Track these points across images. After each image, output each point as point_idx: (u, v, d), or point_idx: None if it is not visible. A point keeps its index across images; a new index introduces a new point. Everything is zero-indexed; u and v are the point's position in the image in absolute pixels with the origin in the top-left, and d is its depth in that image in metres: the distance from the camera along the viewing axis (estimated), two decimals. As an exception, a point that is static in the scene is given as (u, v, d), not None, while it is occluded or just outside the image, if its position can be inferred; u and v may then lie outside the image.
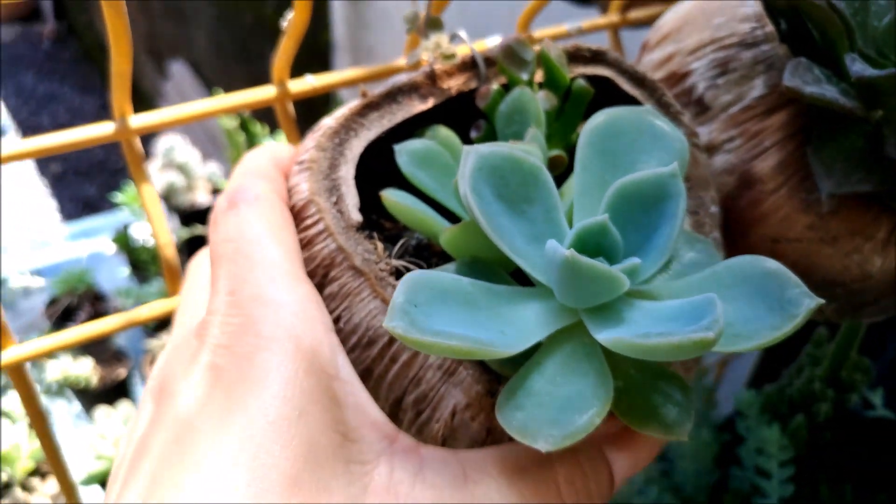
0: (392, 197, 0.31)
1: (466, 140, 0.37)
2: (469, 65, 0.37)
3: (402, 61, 0.44)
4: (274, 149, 0.36)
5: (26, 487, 0.88)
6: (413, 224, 0.32)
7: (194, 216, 1.17)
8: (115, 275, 1.16)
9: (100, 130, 0.37)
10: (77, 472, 0.96)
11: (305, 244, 0.31)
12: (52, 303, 1.05)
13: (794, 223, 0.40)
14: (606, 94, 0.38)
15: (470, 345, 0.24)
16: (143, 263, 1.11)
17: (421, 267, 0.31)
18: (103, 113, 2.48)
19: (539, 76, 0.37)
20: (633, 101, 0.36)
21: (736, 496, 0.65)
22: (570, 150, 0.38)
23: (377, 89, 0.37)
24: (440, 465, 0.25)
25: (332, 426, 0.24)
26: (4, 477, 0.85)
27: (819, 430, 0.70)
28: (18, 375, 0.38)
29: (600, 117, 0.30)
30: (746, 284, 0.25)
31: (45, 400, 1.01)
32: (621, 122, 0.30)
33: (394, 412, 0.29)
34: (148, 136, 2.37)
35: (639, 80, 0.37)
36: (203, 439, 0.22)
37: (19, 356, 0.37)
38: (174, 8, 2.02)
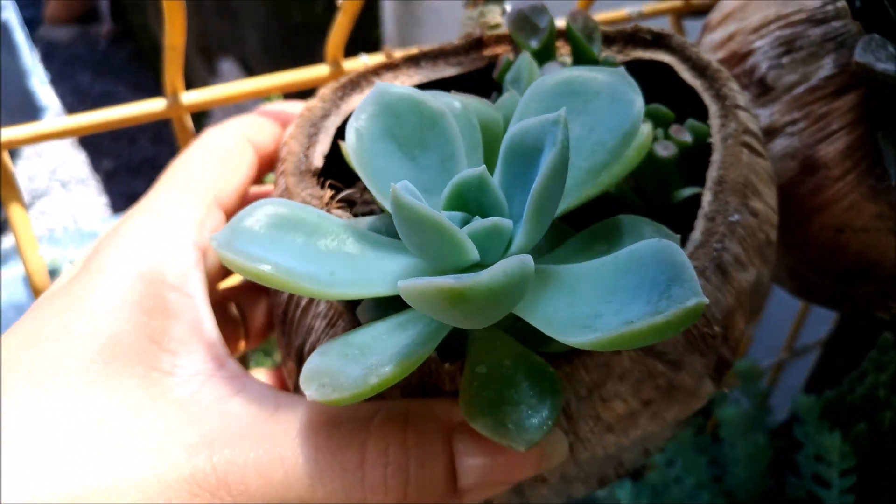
0: (347, 147, 0.30)
1: None
2: (510, 37, 0.36)
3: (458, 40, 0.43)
4: (284, 107, 0.36)
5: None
6: None
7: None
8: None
9: (152, 106, 0.37)
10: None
11: (276, 182, 0.32)
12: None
13: (862, 212, 0.37)
14: (664, 83, 0.35)
15: (280, 275, 0.22)
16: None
17: (357, 216, 0.30)
18: (155, 111, 2.52)
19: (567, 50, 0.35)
20: (688, 94, 0.34)
21: (791, 504, 0.62)
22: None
23: (406, 51, 0.37)
24: (254, 395, 0.24)
25: (145, 330, 0.25)
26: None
27: (882, 439, 0.67)
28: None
29: (558, 74, 0.26)
30: (641, 272, 0.20)
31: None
32: (578, 82, 0.26)
33: (298, 359, 0.28)
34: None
35: (701, 68, 0.34)
36: (37, 316, 0.25)
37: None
38: (225, 7, 2.05)
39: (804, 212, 0.38)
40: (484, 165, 0.23)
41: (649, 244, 0.20)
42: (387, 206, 0.24)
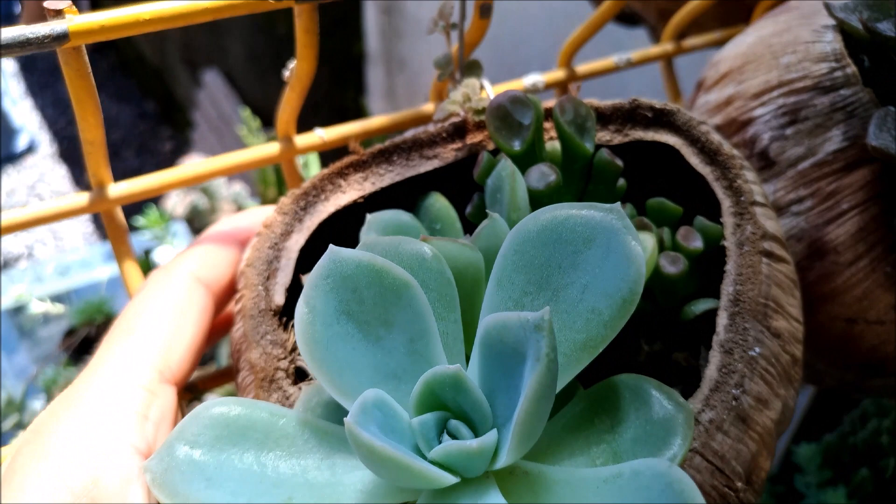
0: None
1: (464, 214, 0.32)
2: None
3: (430, 106, 0.39)
4: (240, 221, 0.32)
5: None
6: None
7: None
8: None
9: (77, 200, 0.33)
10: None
11: (234, 324, 0.28)
12: (70, 333, 1.03)
13: (876, 302, 0.34)
14: (668, 164, 0.31)
15: None
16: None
17: None
18: (139, 122, 2.48)
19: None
20: (697, 179, 0.30)
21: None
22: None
23: (378, 145, 0.32)
24: None
25: None
26: None
27: (886, 485, 0.64)
28: None
29: (542, 215, 0.22)
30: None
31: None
32: (567, 225, 0.22)
33: None
34: (171, 157, 2.35)
35: (711, 152, 0.29)
36: None
37: None
38: (209, 18, 2.01)
39: (811, 300, 0.34)
40: (458, 366, 0.20)
41: (657, 470, 0.17)
42: (347, 406, 0.21)
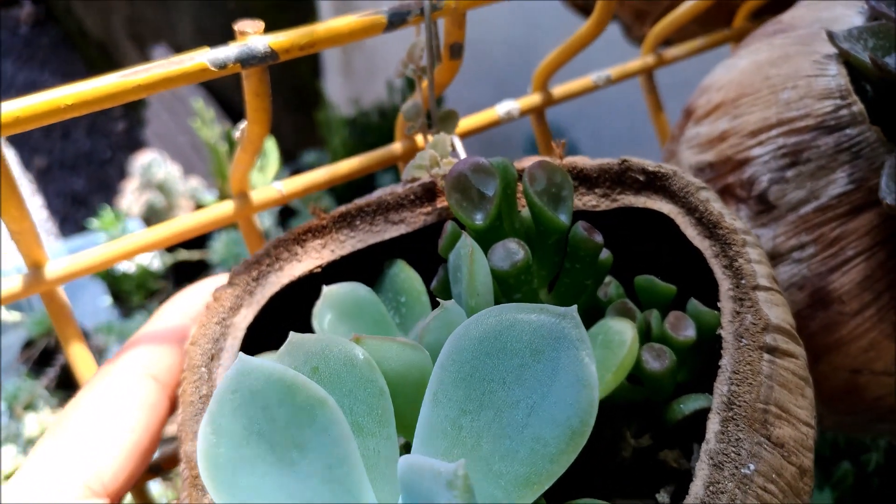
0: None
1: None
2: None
3: (397, 146, 0.35)
4: (190, 298, 0.29)
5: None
6: None
7: (177, 237, 1.09)
8: (96, 305, 1.08)
9: (9, 286, 0.30)
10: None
11: (177, 411, 0.26)
12: (28, 344, 0.98)
13: (884, 352, 0.32)
14: (661, 233, 0.28)
15: None
16: (125, 293, 1.03)
17: None
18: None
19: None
20: (694, 255, 0.26)
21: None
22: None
23: (341, 207, 0.29)
24: None
25: None
26: None
27: (867, 478, 0.65)
28: None
29: (487, 319, 0.20)
30: None
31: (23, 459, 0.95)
32: (512, 333, 0.20)
33: None
34: (125, 154, 2.27)
35: (710, 224, 0.26)
36: None
37: None
38: (155, -9, 1.92)
39: (814, 350, 0.32)
40: None
41: None
42: None
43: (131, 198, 1.12)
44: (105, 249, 0.31)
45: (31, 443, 0.92)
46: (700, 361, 0.26)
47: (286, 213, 1.19)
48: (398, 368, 0.21)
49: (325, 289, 0.27)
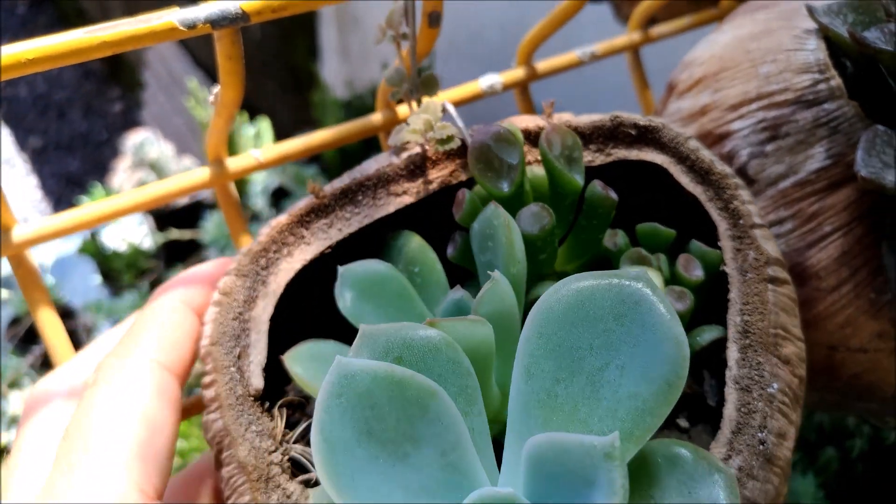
0: (297, 368, 0.24)
1: (443, 253, 0.29)
2: (459, 150, 0.29)
3: (378, 116, 0.35)
4: (190, 279, 0.28)
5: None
6: None
7: (170, 218, 1.09)
8: (86, 284, 1.08)
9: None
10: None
11: (205, 419, 0.25)
12: (15, 322, 0.98)
13: (860, 329, 0.32)
14: (653, 183, 0.29)
15: None
16: (115, 272, 1.03)
17: None
18: (85, 81, 2.36)
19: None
20: (690, 202, 0.28)
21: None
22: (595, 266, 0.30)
23: (336, 182, 0.29)
24: None
25: None
26: None
27: (852, 463, 0.65)
28: None
29: (563, 290, 0.21)
30: None
31: (5, 435, 0.95)
32: (593, 301, 0.20)
33: None
34: (121, 135, 2.26)
35: (702, 171, 0.28)
36: None
37: None
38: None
39: (791, 326, 0.32)
40: (511, 490, 0.18)
41: None
42: None
43: (123, 176, 1.11)
44: (75, 213, 0.31)
45: (14, 421, 0.92)
46: (703, 295, 0.28)
47: (279, 194, 1.19)
48: (471, 346, 0.22)
49: (341, 269, 0.27)
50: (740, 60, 0.32)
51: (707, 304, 0.28)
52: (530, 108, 0.41)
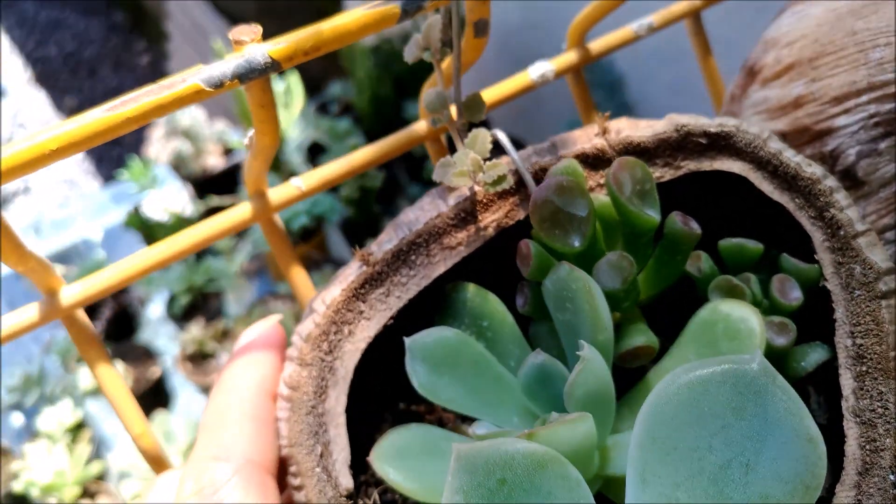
0: (390, 472, 0.22)
1: (508, 300, 0.26)
2: (512, 187, 0.25)
3: (422, 125, 0.32)
4: (253, 356, 0.26)
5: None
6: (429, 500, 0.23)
7: (208, 185, 1.07)
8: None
9: (26, 316, 0.28)
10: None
11: None
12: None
13: None
14: (734, 196, 0.27)
15: None
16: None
17: None
18: (111, 35, 2.33)
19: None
20: (774, 211, 0.25)
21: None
22: (666, 299, 0.27)
23: (385, 242, 0.26)
24: None
25: None
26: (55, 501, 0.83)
27: None
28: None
29: (671, 387, 0.19)
30: None
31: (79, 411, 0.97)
32: (707, 396, 0.18)
33: None
34: (150, 72, 2.22)
35: (788, 177, 0.25)
36: None
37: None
38: None
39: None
40: None
41: None
42: None
43: (158, 146, 1.09)
44: (118, 269, 0.29)
45: (86, 395, 0.94)
46: (799, 313, 0.26)
47: (315, 149, 1.16)
48: (573, 445, 0.20)
49: (408, 342, 0.24)
50: (844, 43, 0.28)
51: (804, 318, 0.25)
52: (586, 95, 0.37)
